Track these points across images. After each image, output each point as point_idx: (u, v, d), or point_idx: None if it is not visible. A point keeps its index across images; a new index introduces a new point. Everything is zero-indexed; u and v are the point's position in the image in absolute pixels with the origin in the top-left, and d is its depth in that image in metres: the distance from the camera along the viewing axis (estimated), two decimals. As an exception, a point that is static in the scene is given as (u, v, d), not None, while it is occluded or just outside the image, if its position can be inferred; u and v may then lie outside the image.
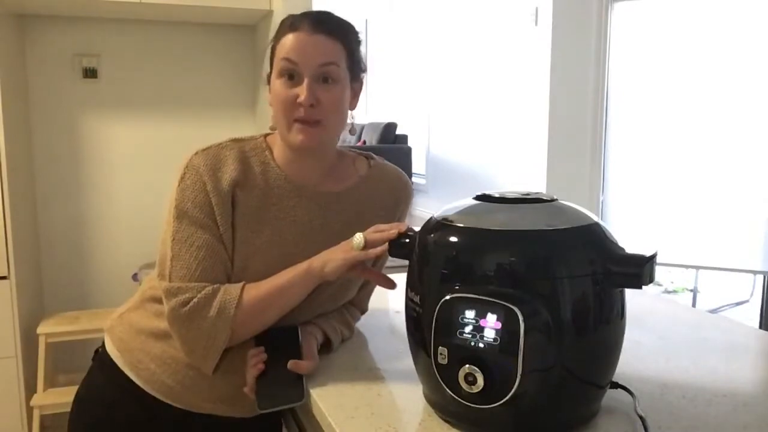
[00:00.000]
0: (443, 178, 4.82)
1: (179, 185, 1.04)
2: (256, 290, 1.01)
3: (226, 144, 1.09)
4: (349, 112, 1.10)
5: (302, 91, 1.01)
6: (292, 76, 1.02)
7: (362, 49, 1.12)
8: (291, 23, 1.04)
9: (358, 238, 0.97)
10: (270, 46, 1.08)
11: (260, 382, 0.98)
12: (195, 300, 0.98)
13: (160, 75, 2.86)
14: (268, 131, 1.14)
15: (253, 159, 1.08)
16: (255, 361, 0.99)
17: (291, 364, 0.98)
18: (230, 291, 1.00)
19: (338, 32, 1.04)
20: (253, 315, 1.00)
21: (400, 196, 1.19)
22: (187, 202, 1.03)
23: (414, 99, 5.73)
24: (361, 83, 1.12)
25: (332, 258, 0.99)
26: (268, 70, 1.09)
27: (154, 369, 1.07)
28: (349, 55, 1.06)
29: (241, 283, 1.01)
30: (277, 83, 1.04)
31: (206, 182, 1.03)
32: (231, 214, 1.04)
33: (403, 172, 1.23)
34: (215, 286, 1.00)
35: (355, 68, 1.08)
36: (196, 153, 1.07)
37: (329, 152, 1.13)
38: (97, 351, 1.18)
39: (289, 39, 1.03)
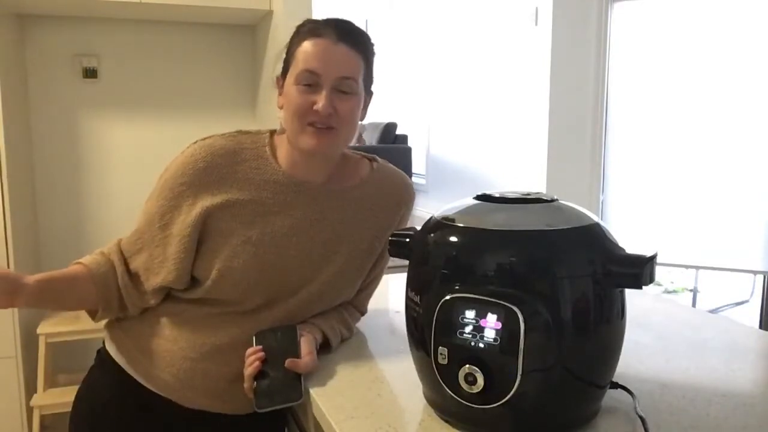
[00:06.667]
0: (443, 178, 4.82)
1: (167, 167, 1.08)
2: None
3: (229, 135, 1.10)
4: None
5: (321, 99, 1.01)
6: (310, 84, 1.02)
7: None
8: (313, 29, 1.04)
9: None
10: (286, 49, 1.08)
11: (258, 382, 0.98)
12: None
13: (160, 75, 2.86)
14: (273, 129, 1.14)
15: (250, 152, 1.09)
16: (252, 359, 0.99)
17: (290, 362, 0.98)
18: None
19: (360, 45, 1.05)
20: None
21: (401, 199, 1.19)
22: (165, 184, 1.07)
23: (414, 99, 5.72)
24: (371, 95, 1.12)
25: None
26: (279, 72, 1.09)
27: (150, 362, 1.08)
28: (366, 68, 1.06)
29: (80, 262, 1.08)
30: (293, 89, 1.03)
31: (190, 172, 1.05)
32: (203, 207, 1.04)
33: (406, 176, 1.23)
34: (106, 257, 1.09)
35: (369, 82, 1.09)
36: (195, 142, 1.08)
37: (334, 158, 1.13)
38: (98, 351, 1.18)
39: (311, 45, 1.02)
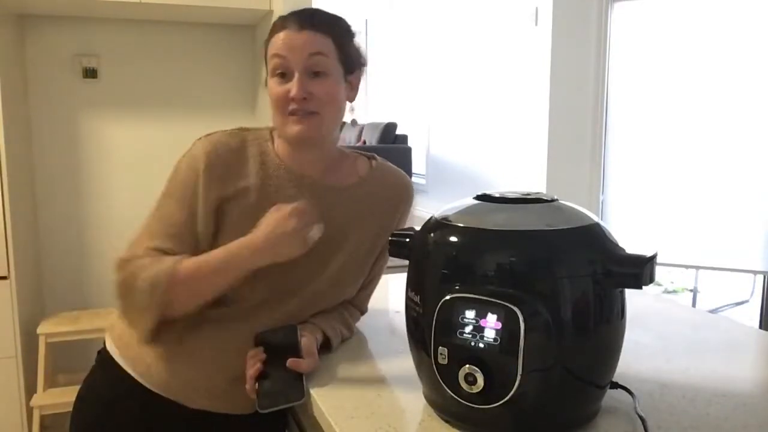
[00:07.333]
0: (443, 178, 4.82)
1: (176, 166, 1.08)
2: (190, 263, 1.00)
3: (231, 131, 1.11)
4: (349, 104, 1.12)
5: (293, 86, 1.02)
6: (283, 74, 1.04)
7: (357, 41, 1.12)
8: (277, 24, 1.07)
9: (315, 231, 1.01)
10: (264, 50, 1.10)
11: (260, 382, 0.98)
12: (128, 272, 1.00)
13: (160, 75, 2.86)
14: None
15: (254, 148, 1.10)
16: (254, 361, 0.99)
17: (291, 362, 0.98)
18: (163, 264, 0.99)
19: (325, 27, 1.06)
20: (186, 290, 0.99)
21: (400, 198, 1.20)
22: (178, 183, 1.06)
23: (414, 99, 5.73)
24: (358, 76, 1.12)
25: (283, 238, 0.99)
26: (266, 74, 1.10)
27: (151, 363, 1.08)
28: (339, 49, 1.07)
29: (176, 258, 1.00)
30: (271, 82, 1.06)
31: (200, 167, 1.05)
32: (215, 200, 1.05)
33: (405, 174, 1.23)
34: (154, 258, 1.01)
35: (348, 61, 1.09)
36: (200, 138, 1.09)
37: (328, 147, 1.13)
38: (99, 352, 1.18)
39: (278, 38, 1.05)
